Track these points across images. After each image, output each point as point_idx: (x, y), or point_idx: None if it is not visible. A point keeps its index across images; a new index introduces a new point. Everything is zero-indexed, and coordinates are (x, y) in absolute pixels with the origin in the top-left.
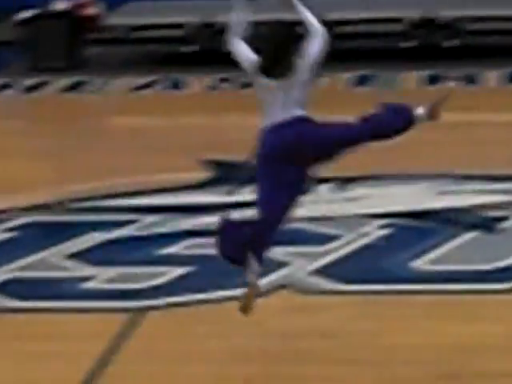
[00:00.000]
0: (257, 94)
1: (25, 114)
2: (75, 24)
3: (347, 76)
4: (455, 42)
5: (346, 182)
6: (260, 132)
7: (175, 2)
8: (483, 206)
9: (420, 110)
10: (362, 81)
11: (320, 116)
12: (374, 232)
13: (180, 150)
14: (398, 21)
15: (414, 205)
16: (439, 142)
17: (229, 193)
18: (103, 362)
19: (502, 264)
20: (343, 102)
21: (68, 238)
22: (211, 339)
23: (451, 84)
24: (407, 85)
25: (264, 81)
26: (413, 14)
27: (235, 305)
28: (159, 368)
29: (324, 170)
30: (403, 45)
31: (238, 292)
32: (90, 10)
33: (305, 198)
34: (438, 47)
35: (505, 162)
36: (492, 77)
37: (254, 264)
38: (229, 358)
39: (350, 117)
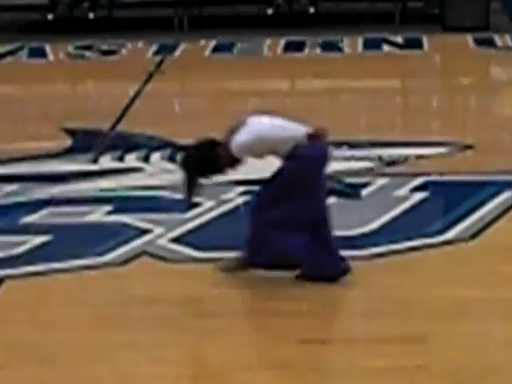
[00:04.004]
0: None
1: None
2: None
3: (211, 43)
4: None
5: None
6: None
7: None
8: (345, 172)
9: None
10: (223, 48)
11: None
12: (235, 199)
13: (41, 119)
14: None
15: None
16: (299, 109)
17: (93, 161)
18: None
19: (364, 230)
20: (205, 68)
21: None
22: (73, 307)
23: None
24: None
25: None
26: None
27: (95, 273)
28: (19, 338)
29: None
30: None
31: (95, 261)
32: None
33: (162, 166)
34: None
35: (365, 128)
36: (350, 43)
37: None
38: (92, 325)
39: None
